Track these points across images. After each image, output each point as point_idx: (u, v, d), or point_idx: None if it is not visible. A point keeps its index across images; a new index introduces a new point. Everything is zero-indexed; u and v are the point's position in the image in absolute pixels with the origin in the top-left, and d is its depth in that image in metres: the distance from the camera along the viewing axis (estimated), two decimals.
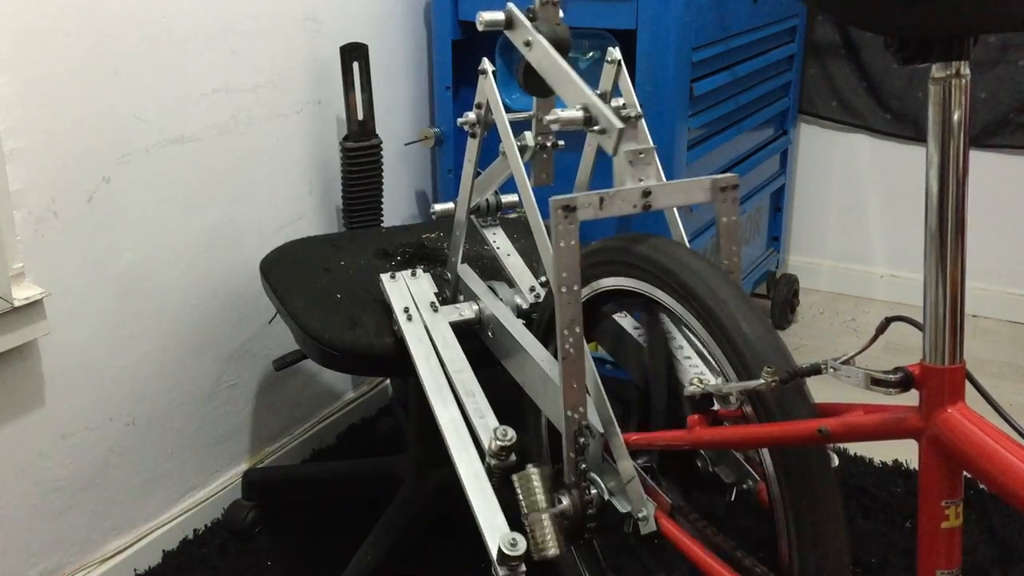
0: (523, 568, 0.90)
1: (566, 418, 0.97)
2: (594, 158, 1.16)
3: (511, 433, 0.98)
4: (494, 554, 0.91)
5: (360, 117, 1.68)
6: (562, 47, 1.06)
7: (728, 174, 0.98)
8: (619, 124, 0.93)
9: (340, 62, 1.65)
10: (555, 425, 1.04)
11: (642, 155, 0.95)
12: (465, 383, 1.12)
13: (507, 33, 1.09)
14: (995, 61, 2.21)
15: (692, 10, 1.61)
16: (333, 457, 1.83)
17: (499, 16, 1.08)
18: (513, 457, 0.99)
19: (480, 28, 1.08)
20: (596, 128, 0.96)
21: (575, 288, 0.93)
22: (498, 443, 0.98)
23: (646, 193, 0.94)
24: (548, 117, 0.97)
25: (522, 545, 0.90)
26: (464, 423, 1.07)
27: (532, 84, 1.10)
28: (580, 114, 0.97)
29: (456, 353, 1.17)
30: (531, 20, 1.08)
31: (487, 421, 1.06)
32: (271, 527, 1.60)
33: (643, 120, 0.99)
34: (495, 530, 0.94)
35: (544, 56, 1.05)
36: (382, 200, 1.75)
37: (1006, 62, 2.20)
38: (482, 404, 1.08)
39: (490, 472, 1.00)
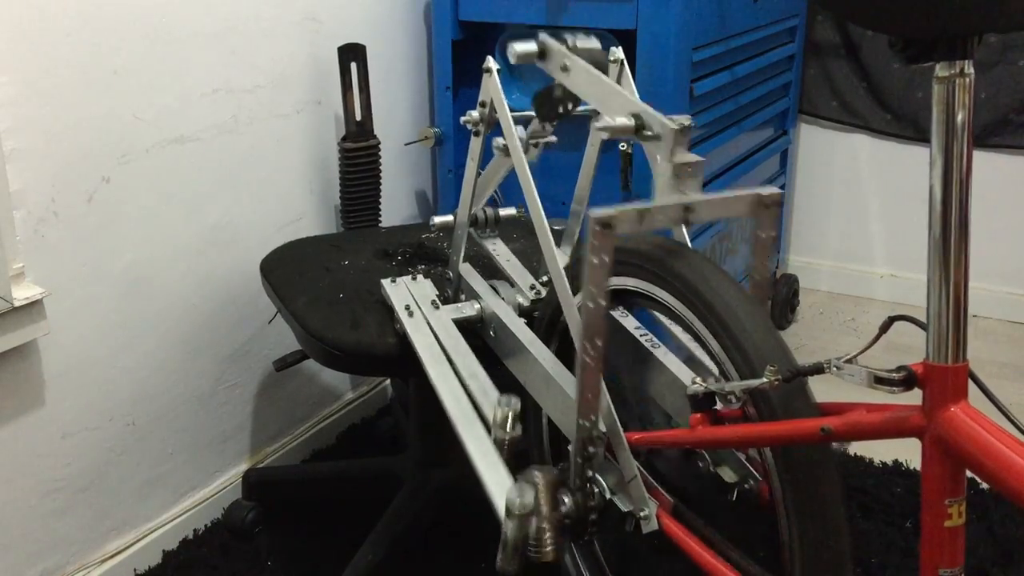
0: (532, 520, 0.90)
1: (578, 426, 0.96)
2: (596, 159, 1.16)
3: (515, 401, 0.97)
4: (501, 511, 0.91)
5: (358, 117, 1.68)
6: (600, 67, 1.05)
7: (772, 189, 0.93)
8: (673, 126, 0.90)
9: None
10: (557, 424, 1.04)
11: (690, 168, 0.91)
12: (468, 366, 1.11)
13: (540, 64, 1.08)
14: (995, 61, 2.21)
15: (692, 10, 1.61)
16: (333, 457, 1.83)
17: (532, 47, 1.08)
18: (519, 428, 0.98)
19: (513, 61, 1.07)
20: (649, 134, 0.94)
21: (601, 302, 0.92)
22: (503, 411, 0.97)
23: (687, 208, 0.90)
24: (598, 124, 0.95)
25: (529, 496, 0.89)
26: (466, 396, 1.07)
27: (545, 109, 1.10)
28: (631, 122, 0.95)
29: (457, 341, 1.16)
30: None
31: (490, 397, 1.05)
32: (271, 527, 1.60)
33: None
34: (501, 487, 0.93)
35: (585, 76, 1.03)
36: (380, 200, 1.75)
37: (1006, 62, 2.20)
38: (485, 383, 1.08)
39: (497, 445, 0.99)
